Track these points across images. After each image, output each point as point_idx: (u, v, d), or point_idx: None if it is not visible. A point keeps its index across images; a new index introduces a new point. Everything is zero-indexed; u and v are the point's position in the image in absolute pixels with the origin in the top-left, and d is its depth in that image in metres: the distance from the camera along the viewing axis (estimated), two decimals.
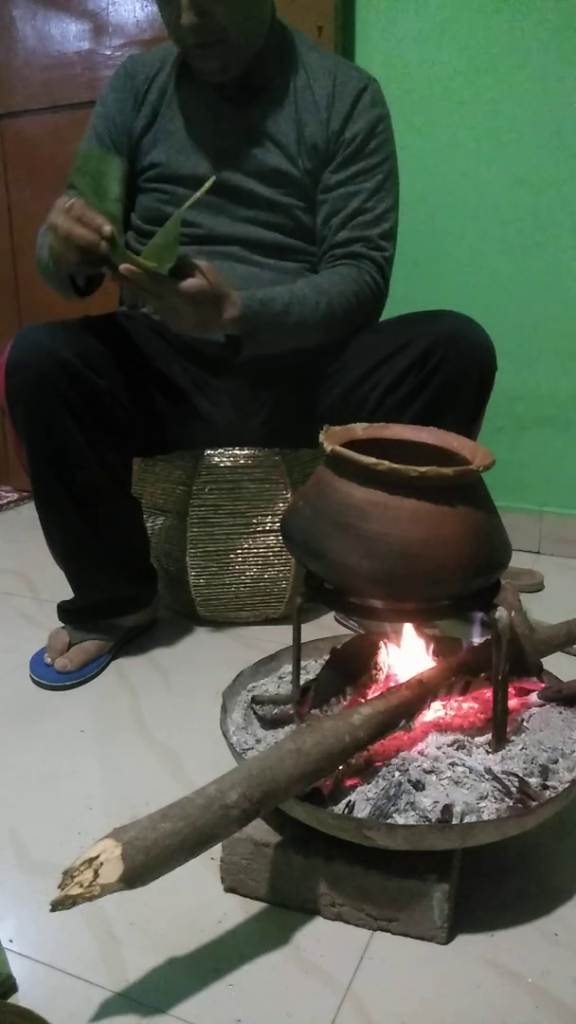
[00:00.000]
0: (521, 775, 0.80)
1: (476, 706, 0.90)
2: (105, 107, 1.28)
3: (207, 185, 1.02)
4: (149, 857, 0.65)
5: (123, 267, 1.00)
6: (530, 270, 1.67)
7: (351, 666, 0.93)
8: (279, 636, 1.37)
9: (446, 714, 0.89)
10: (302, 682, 0.94)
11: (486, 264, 1.70)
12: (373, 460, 0.74)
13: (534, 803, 0.76)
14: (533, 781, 0.79)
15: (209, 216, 1.22)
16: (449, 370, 1.12)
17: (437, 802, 0.76)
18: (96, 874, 0.63)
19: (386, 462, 0.74)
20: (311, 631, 1.35)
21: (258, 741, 0.89)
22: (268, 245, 1.24)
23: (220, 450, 1.34)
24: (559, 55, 1.55)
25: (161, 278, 1.00)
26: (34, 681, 1.25)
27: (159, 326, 1.29)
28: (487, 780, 0.79)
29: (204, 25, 1.09)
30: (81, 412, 1.12)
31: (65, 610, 1.33)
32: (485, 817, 0.75)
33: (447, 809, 0.75)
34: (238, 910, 0.80)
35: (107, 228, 0.98)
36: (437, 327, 1.14)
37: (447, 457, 0.84)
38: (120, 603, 1.32)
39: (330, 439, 0.81)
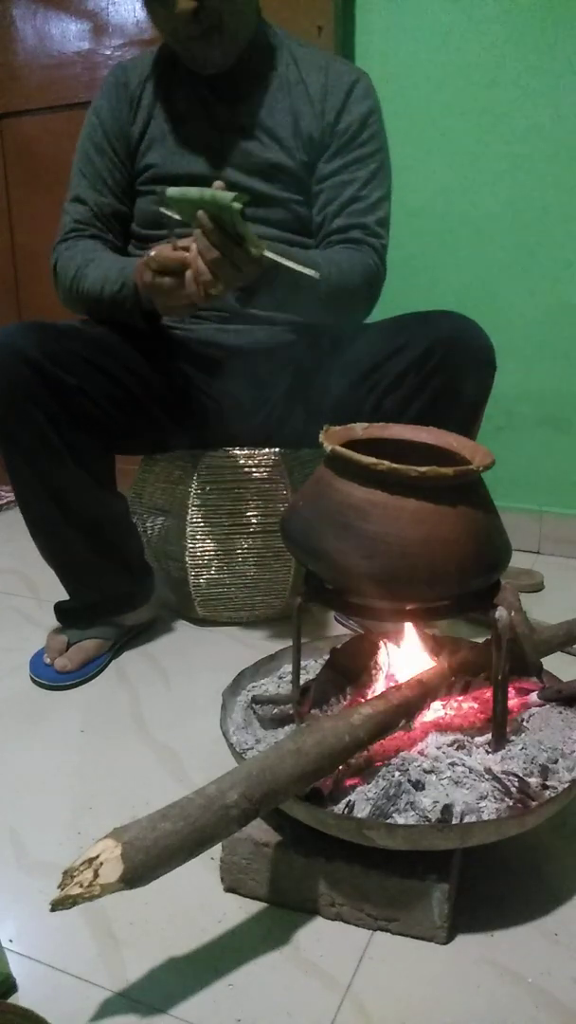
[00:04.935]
0: (521, 775, 0.80)
1: (476, 706, 0.90)
2: (100, 117, 1.28)
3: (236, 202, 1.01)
4: (149, 857, 0.65)
5: (200, 213, 0.98)
6: (530, 270, 1.67)
7: (351, 666, 0.93)
8: (279, 636, 1.37)
9: (446, 714, 0.89)
10: (302, 682, 0.94)
11: (485, 264, 1.70)
12: (373, 460, 0.74)
13: (534, 803, 0.76)
14: (533, 781, 0.79)
15: None
16: (449, 371, 1.12)
17: (437, 802, 0.76)
18: (96, 874, 0.63)
19: (386, 462, 0.74)
20: (311, 631, 1.36)
21: (258, 741, 0.89)
22: (267, 240, 1.24)
23: (220, 450, 1.34)
24: (560, 55, 1.55)
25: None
26: (34, 681, 1.25)
27: (152, 330, 1.29)
28: (487, 780, 0.79)
29: (200, 10, 1.10)
30: (53, 411, 1.12)
31: (62, 610, 1.33)
32: (485, 817, 0.75)
33: (447, 809, 0.75)
34: (238, 910, 0.80)
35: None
36: (437, 327, 1.14)
37: (447, 457, 0.84)
38: (116, 601, 1.32)
39: (330, 439, 0.81)
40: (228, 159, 1.23)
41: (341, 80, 1.23)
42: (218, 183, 0.98)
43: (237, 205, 0.94)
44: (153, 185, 1.25)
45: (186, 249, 1.02)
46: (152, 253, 1.06)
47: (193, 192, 0.98)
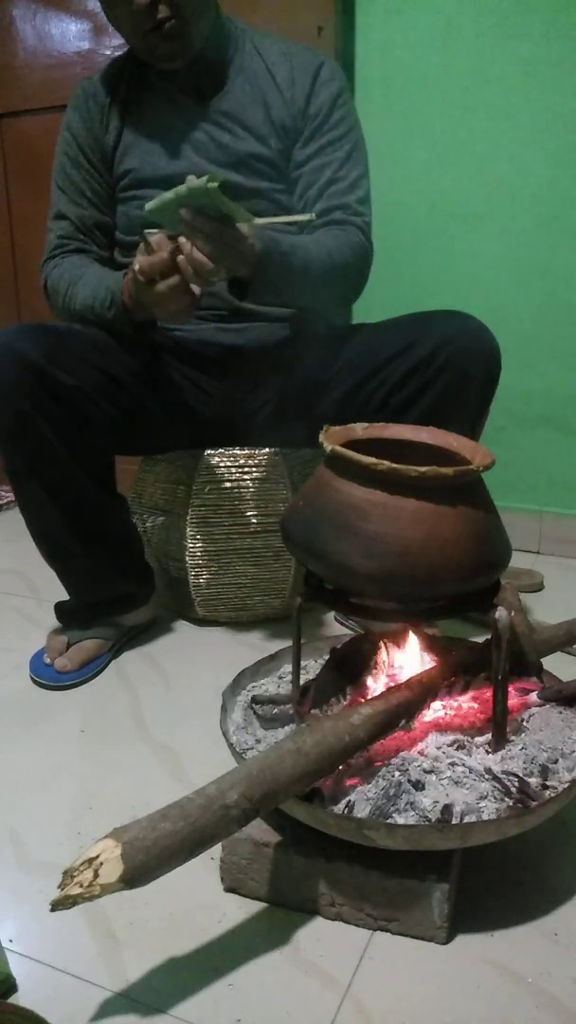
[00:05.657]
0: (521, 775, 0.80)
1: (476, 706, 0.90)
2: (72, 131, 1.28)
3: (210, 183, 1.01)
4: (149, 857, 0.65)
5: (183, 211, 0.98)
6: (530, 270, 1.67)
7: (351, 666, 0.93)
8: (279, 636, 1.37)
9: (446, 714, 0.89)
10: (302, 682, 0.94)
11: (486, 264, 1.70)
12: (373, 460, 0.74)
13: (534, 803, 0.76)
14: (533, 781, 0.79)
15: None
16: (455, 371, 1.12)
17: (437, 802, 0.76)
18: (96, 874, 0.63)
19: (386, 462, 0.74)
20: (311, 631, 1.36)
21: (258, 741, 0.89)
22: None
23: (220, 450, 1.34)
24: (560, 55, 1.55)
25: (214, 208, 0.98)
26: (34, 681, 1.25)
27: (152, 331, 1.29)
28: (487, 780, 0.79)
29: (159, 1, 1.10)
30: (52, 412, 1.12)
31: (62, 610, 1.33)
32: (485, 817, 0.75)
33: (447, 809, 0.75)
34: (238, 910, 0.80)
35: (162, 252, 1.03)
36: (443, 327, 1.14)
37: (447, 457, 0.84)
38: (115, 601, 1.32)
39: (330, 439, 0.81)
40: (204, 154, 1.24)
41: (306, 65, 1.24)
42: (190, 177, 0.98)
43: (213, 185, 0.95)
44: (134, 190, 1.26)
45: (173, 249, 1.03)
46: (136, 268, 1.06)
47: (168, 195, 0.98)
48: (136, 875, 0.64)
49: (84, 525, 1.21)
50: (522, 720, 0.89)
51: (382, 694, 0.83)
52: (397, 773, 0.78)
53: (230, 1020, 0.69)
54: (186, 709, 1.17)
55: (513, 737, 0.86)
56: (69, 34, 1.93)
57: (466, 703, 0.91)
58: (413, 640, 0.94)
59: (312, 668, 1.02)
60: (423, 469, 0.73)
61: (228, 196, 0.97)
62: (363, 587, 0.77)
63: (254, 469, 1.34)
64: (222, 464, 1.34)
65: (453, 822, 0.74)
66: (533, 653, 0.93)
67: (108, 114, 1.27)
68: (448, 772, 0.80)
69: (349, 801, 0.77)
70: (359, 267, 1.23)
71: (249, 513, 1.36)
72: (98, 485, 1.22)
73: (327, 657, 0.98)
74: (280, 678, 1.02)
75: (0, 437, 1.14)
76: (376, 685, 0.92)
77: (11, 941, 0.77)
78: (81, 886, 0.63)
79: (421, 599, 0.79)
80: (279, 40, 1.28)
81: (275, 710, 0.93)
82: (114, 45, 1.88)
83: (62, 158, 1.29)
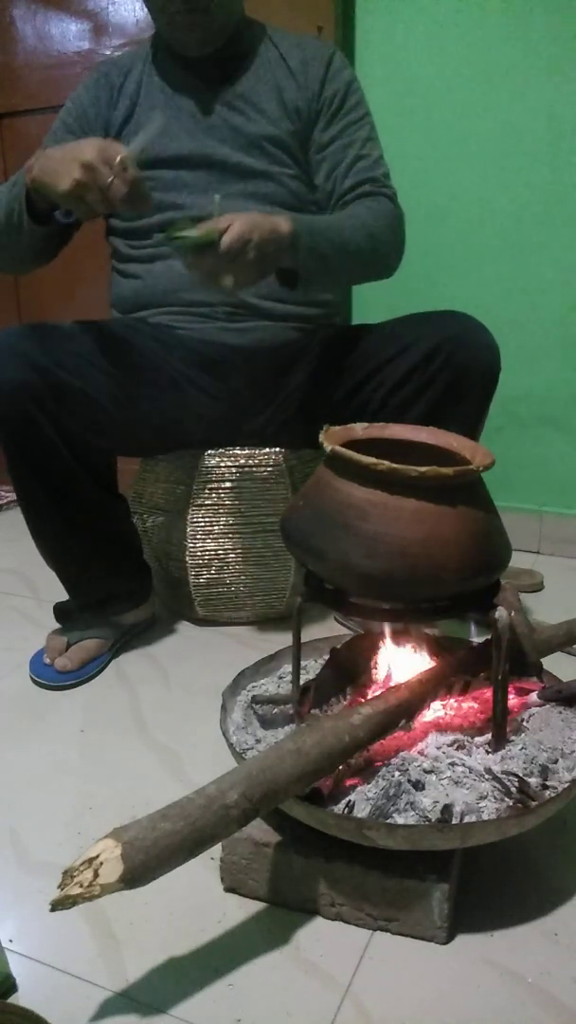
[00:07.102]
0: (521, 775, 0.79)
1: (476, 706, 0.90)
2: (77, 104, 1.30)
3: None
4: (149, 857, 0.65)
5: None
6: (530, 270, 1.67)
7: (351, 666, 0.93)
8: (279, 636, 1.37)
9: (446, 714, 0.89)
10: (302, 682, 0.94)
11: (486, 264, 1.70)
12: (373, 460, 0.74)
13: (534, 803, 0.76)
14: (533, 781, 0.79)
15: (199, 195, 1.23)
16: (454, 371, 1.12)
17: (437, 802, 0.76)
18: (96, 874, 0.63)
19: (386, 462, 0.74)
20: (311, 631, 1.35)
21: (258, 741, 0.89)
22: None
23: (220, 450, 1.34)
24: (559, 56, 1.55)
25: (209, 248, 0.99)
26: (34, 681, 1.25)
27: (155, 331, 1.29)
28: (487, 780, 0.79)
29: None
30: (56, 414, 1.12)
31: (62, 610, 1.33)
32: (485, 817, 0.75)
33: (447, 809, 0.75)
34: (238, 910, 0.80)
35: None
36: (443, 327, 1.15)
37: (447, 457, 0.84)
38: (115, 601, 1.32)
39: (330, 439, 0.81)
40: (215, 136, 1.25)
41: (318, 53, 1.28)
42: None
43: (165, 234, 1.00)
44: (144, 171, 1.25)
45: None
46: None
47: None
48: (136, 875, 0.64)
49: (84, 525, 1.21)
50: (522, 720, 0.89)
51: (382, 694, 0.83)
52: (397, 773, 0.78)
53: (230, 1020, 0.69)
54: (186, 709, 1.17)
55: (513, 737, 0.86)
56: (69, 34, 1.93)
57: (466, 703, 0.91)
58: (413, 640, 0.94)
59: (312, 668, 1.02)
60: (423, 469, 0.73)
61: (185, 231, 0.99)
62: (363, 587, 0.77)
63: (254, 469, 1.34)
64: (222, 464, 1.34)
65: (453, 822, 0.74)
66: (533, 653, 0.92)
67: (119, 91, 1.29)
68: (448, 772, 0.80)
69: (349, 801, 0.77)
70: (395, 233, 1.24)
71: (249, 513, 1.36)
72: (99, 485, 1.23)
73: (327, 657, 0.98)
74: (280, 678, 1.02)
75: (2, 437, 1.14)
76: (376, 685, 0.92)
77: (11, 941, 0.77)
78: (81, 886, 0.63)
79: (421, 599, 0.79)
80: (289, 33, 1.32)
81: (275, 710, 0.93)
82: (114, 45, 1.88)
83: (57, 123, 1.31)
